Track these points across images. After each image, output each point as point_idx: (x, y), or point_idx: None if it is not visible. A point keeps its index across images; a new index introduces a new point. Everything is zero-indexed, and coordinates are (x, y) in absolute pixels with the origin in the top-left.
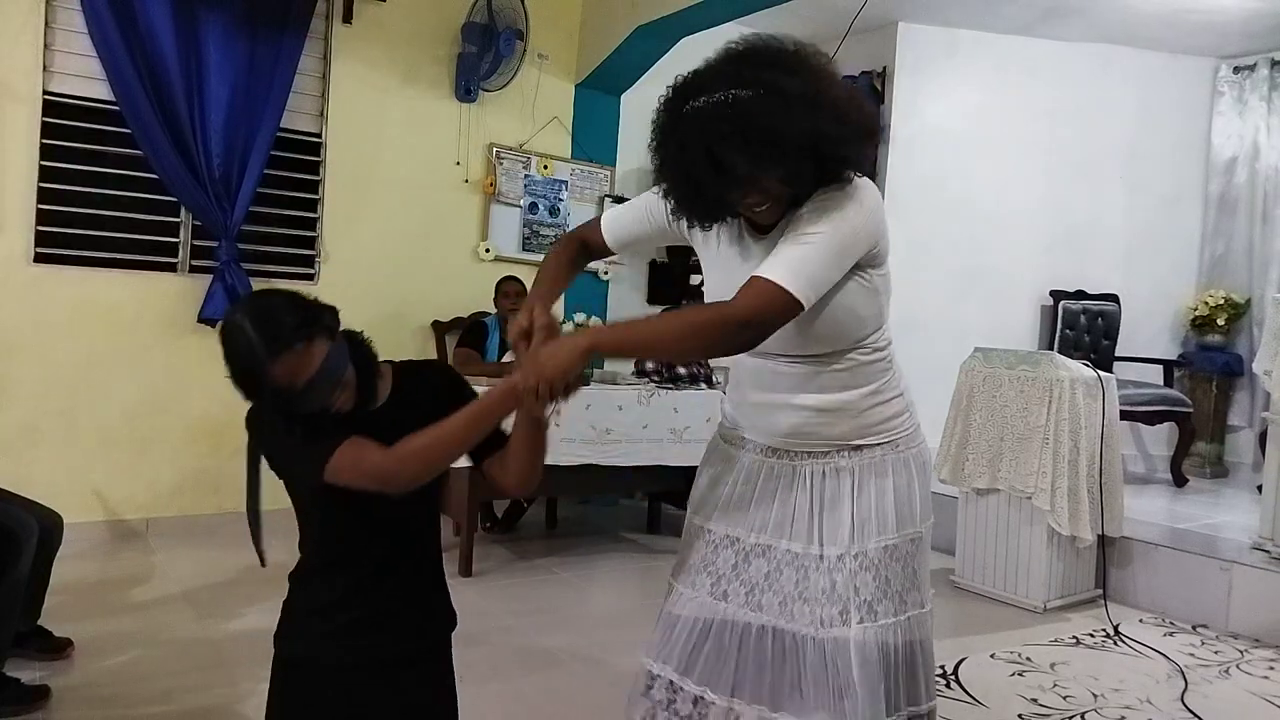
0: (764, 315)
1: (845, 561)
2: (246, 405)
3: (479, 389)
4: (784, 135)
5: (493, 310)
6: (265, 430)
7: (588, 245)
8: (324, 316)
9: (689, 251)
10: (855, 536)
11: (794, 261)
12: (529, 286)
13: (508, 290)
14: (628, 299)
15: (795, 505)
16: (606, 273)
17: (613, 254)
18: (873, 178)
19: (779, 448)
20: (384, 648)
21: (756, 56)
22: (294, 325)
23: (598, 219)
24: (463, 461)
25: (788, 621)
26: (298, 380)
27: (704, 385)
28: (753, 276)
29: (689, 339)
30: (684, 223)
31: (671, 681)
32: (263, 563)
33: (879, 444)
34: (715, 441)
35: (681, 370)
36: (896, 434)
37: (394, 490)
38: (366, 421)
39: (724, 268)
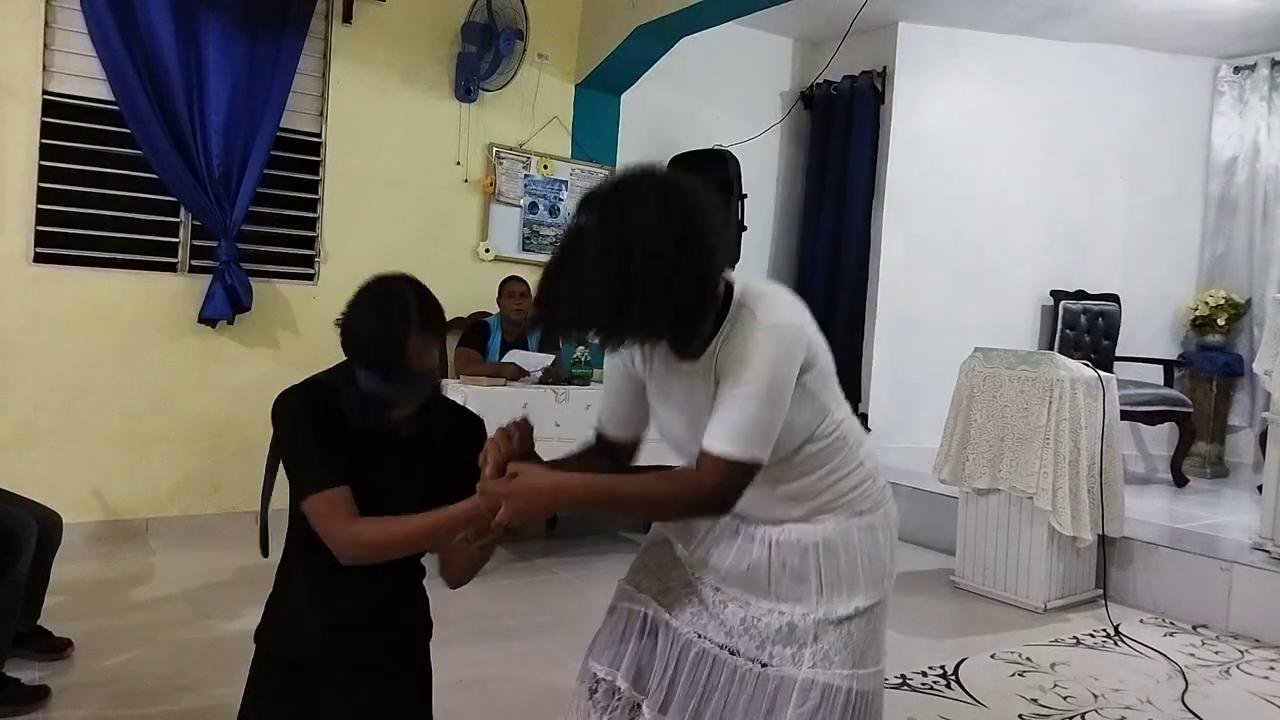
0: (727, 487)
1: (810, 619)
2: (246, 405)
3: (478, 385)
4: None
5: (493, 310)
6: (288, 420)
7: (611, 446)
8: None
9: None
10: (822, 601)
11: (734, 426)
12: (532, 286)
13: (511, 290)
14: None
15: (751, 564)
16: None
17: (629, 445)
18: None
19: (737, 513)
20: (360, 649)
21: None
22: (441, 322)
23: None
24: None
25: (730, 652)
26: (419, 365)
27: None
28: (702, 452)
29: (662, 511)
30: (637, 363)
31: (612, 684)
32: (265, 552)
33: (845, 514)
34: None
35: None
36: (860, 503)
37: (351, 559)
38: (390, 438)
39: (668, 399)
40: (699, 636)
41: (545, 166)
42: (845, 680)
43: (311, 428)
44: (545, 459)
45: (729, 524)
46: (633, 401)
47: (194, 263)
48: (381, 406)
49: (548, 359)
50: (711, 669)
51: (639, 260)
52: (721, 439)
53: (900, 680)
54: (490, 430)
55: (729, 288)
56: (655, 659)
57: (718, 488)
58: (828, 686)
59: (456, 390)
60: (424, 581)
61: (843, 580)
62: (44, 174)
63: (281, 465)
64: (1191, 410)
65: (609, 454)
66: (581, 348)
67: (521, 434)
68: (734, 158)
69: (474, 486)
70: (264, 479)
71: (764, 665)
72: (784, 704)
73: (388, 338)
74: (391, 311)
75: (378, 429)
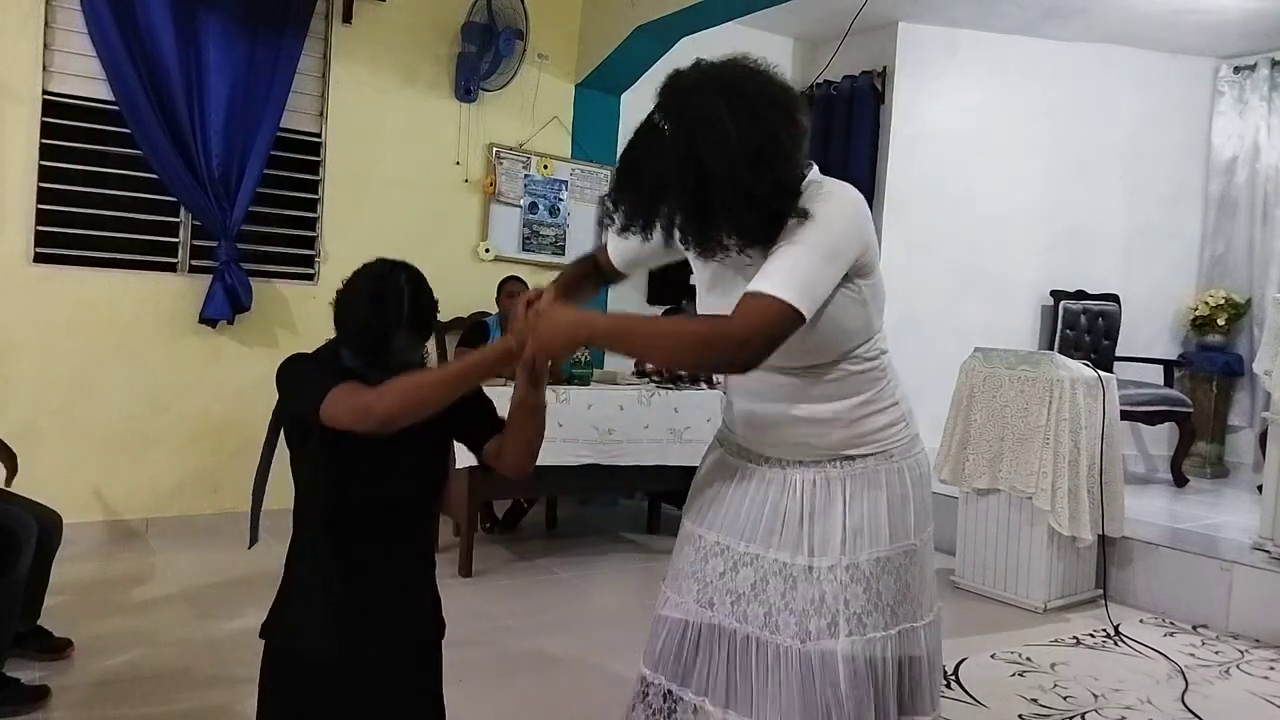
0: (765, 332)
1: (836, 573)
2: (246, 405)
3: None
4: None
5: (493, 310)
6: (292, 367)
7: (599, 265)
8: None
9: None
10: (846, 548)
11: (788, 272)
12: (532, 287)
13: (511, 290)
14: (628, 298)
15: (785, 513)
16: None
17: (623, 276)
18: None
19: (770, 456)
20: (371, 645)
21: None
22: (431, 321)
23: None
24: (463, 461)
25: (772, 633)
26: (404, 359)
27: (704, 385)
28: (746, 294)
29: (685, 350)
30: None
31: (670, 690)
32: (254, 538)
33: (872, 454)
34: (713, 446)
35: (682, 371)
36: (890, 444)
37: (374, 426)
38: None
39: (723, 283)
40: (741, 623)
41: (545, 166)
42: (882, 644)
43: (317, 368)
44: (549, 460)
45: (751, 472)
46: (642, 253)
47: (194, 263)
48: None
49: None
50: (758, 653)
51: (717, 179)
52: (770, 281)
53: None
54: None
55: (801, 179)
56: (706, 658)
57: (756, 328)
58: (868, 655)
59: None
60: (435, 579)
61: (866, 528)
62: (44, 174)
63: (283, 437)
64: (1191, 410)
65: (594, 277)
66: (582, 348)
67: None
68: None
69: (479, 431)
70: (262, 452)
71: (803, 642)
72: (833, 678)
73: (376, 330)
74: (384, 303)
75: None
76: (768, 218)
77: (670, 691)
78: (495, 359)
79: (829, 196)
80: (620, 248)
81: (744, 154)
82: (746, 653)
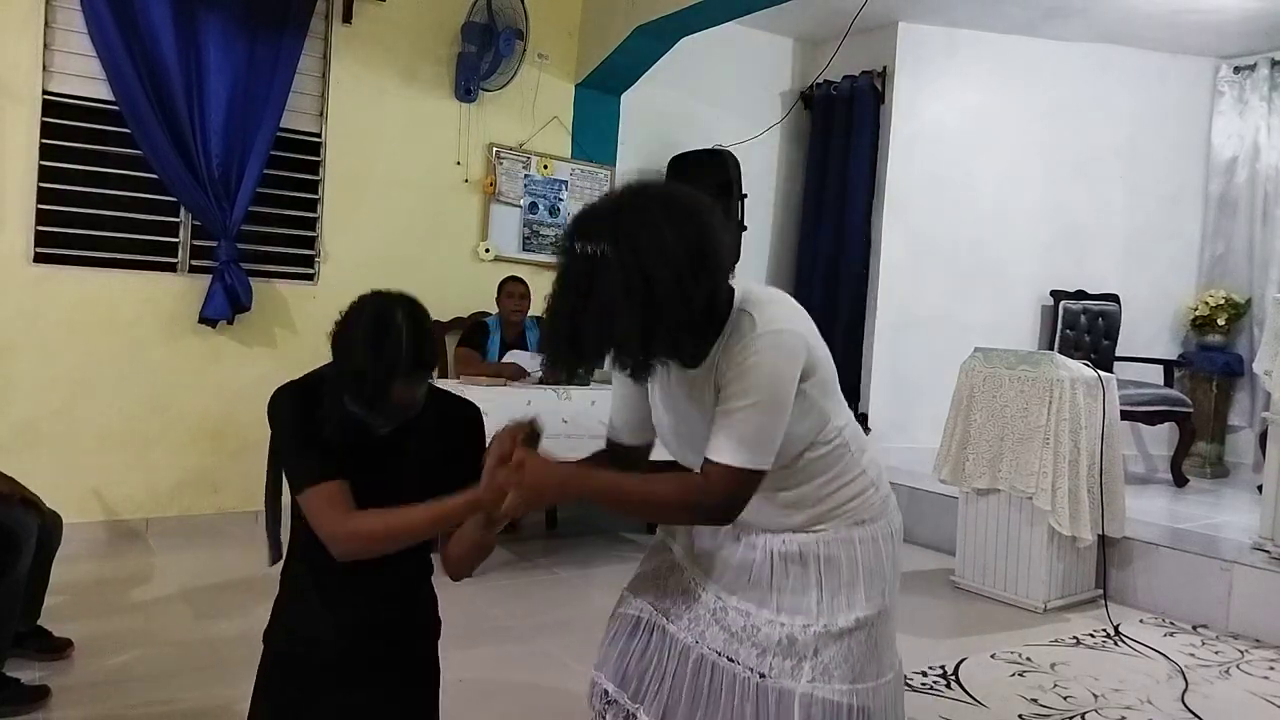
0: (733, 497)
1: (810, 629)
2: (246, 405)
3: (478, 385)
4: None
5: (493, 310)
6: (283, 416)
7: (615, 461)
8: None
9: None
10: (822, 609)
11: (741, 438)
12: (532, 287)
13: (511, 290)
14: None
15: (753, 575)
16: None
17: (642, 450)
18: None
19: (738, 522)
20: (369, 647)
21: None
22: (430, 362)
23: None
24: None
25: (730, 661)
26: (398, 401)
27: None
28: (708, 461)
29: (669, 516)
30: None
31: (606, 691)
32: (273, 560)
33: (843, 524)
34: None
35: None
36: (860, 513)
37: (343, 554)
38: (380, 437)
39: (671, 406)
40: (697, 642)
41: (545, 166)
42: (844, 696)
43: (306, 424)
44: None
45: (730, 532)
46: (642, 407)
47: (194, 263)
48: (362, 428)
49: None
50: (712, 676)
51: (663, 286)
52: (725, 449)
53: None
54: (489, 424)
55: (729, 293)
56: (653, 665)
57: (722, 496)
58: (827, 702)
59: (456, 391)
60: (431, 580)
61: (843, 591)
62: (44, 174)
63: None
64: (1191, 410)
65: (621, 461)
66: None
67: (529, 433)
68: (734, 158)
69: (473, 474)
70: (266, 489)
71: (763, 676)
72: (787, 716)
73: (374, 376)
74: (380, 347)
75: (362, 434)
76: (694, 333)
77: (607, 692)
78: (465, 508)
79: (758, 340)
80: (623, 423)
81: (686, 261)
82: (699, 673)
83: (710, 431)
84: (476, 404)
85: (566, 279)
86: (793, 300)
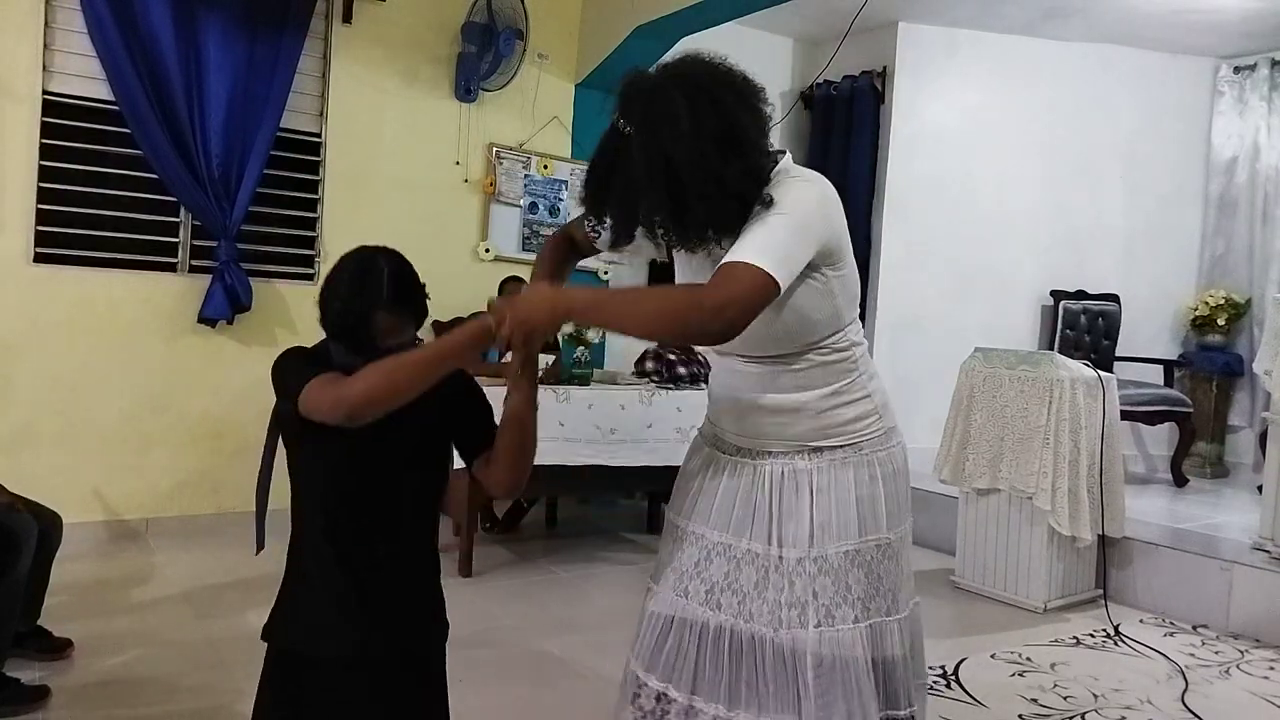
0: (741, 299)
1: (804, 565)
2: (246, 405)
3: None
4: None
5: None
6: (285, 365)
7: (575, 242)
8: (426, 311)
9: None
10: (814, 540)
11: (762, 243)
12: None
13: (512, 291)
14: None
15: (756, 505)
16: (607, 272)
17: (599, 251)
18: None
19: (743, 447)
20: (375, 646)
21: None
22: (417, 297)
23: (582, 216)
24: (462, 462)
25: (745, 621)
26: (386, 339)
27: (704, 385)
28: (722, 264)
29: (663, 318)
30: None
31: (662, 693)
32: (260, 545)
33: (841, 446)
34: (695, 440)
35: (682, 370)
36: (860, 437)
37: (347, 414)
38: None
39: (699, 267)
40: (715, 611)
41: (545, 166)
42: (850, 633)
43: (302, 363)
44: (552, 460)
45: (725, 463)
46: (635, 243)
47: (194, 263)
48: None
49: (548, 359)
50: (730, 642)
51: (686, 170)
52: (744, 251)
53: None
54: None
55: (770, 167)
56: (679, 647)
57: (732, 295)
58: (836, 641)
59: None
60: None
61: (833, 522)
62: (44, 174)
63: (282, 430)
64: (1191, 410)
65: (574, 249)
66: (582, 347)
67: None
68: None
69: (475, 436)
70: (263, 456)
71: (775, 630)
72: (802, 666)
73: (355, 310)
74: (362, 284)
75: None
76: (739, 204)
77: (663, 694)
78: (471, 338)
79: (796, 182)
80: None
81: (710, 142)
82: (719, 641)
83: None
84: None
85: (604, 146)
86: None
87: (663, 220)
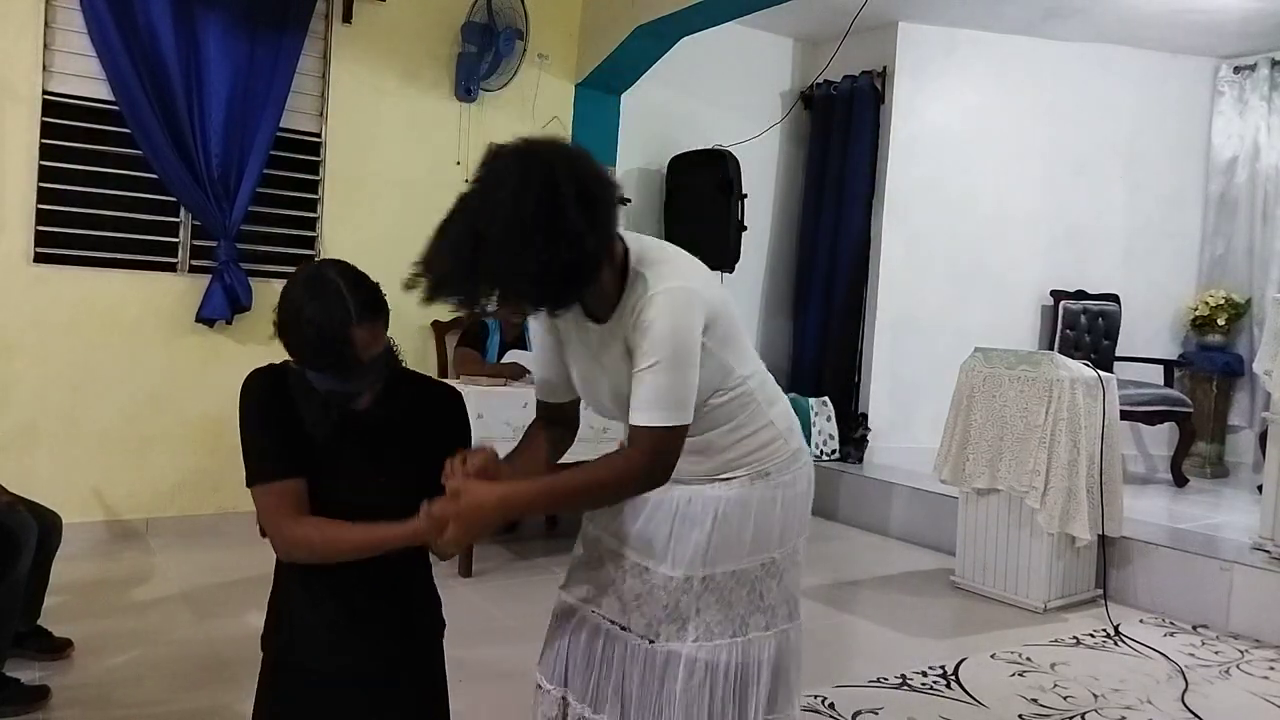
0: (664, 455)
1: (692, 583)
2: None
3: (478, 385)
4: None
5: None
6: (248, 401)
7: (551, 420)
8: (388, 308)
9: (689, 252)
10: (706, 561)
11: (656, 400)
12: None
13: None
14: None
15: (658, 525)
16: None
17: (567, 403)
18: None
19: None
20: (365, 648)
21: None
22: (382, 300)
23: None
24: None
25: (622, 629)
26: (367, 353)
27: None
28: (633, 426)
29: (610, 496)
30: (556, 325)
31: (537, 679)
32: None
33: (748, 475)
34: None
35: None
36: (767, 462)
37: (284, 554)
38: (358, 422)
39: (582, 358)
40: (594, 612)
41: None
42: (726, 651)
43: (271, 412)
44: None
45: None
46: (561, 367)
47: (194, 263)
48: (343, 401)
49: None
50: (604, 643)
51: (490, 243)
52: (645, 413)
53: (900, 680)
54: (488, 424)
55: (626, 252)
56: (557, 639)
57: (652, 456)
58: (710, 661)
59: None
60: (432, 578)
61: (728, 545)
62: (44, 174)
63: None
64: (1191, 410)
65: (556, 419)
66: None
67: (482, 465)
68: (734, 157)
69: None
70: None
71: (651, 641)
72: (673, 677)
73: (330, 335)
74: (326, 306)
75: (343, 421)
76: (534, 287)
77: (537, 684)
78: (404, 537)
79: (653, 301)
80: (547, 384)
81: (519, 225)
82: (593, 642)
83: (623, 383)
84: (454, 387)
85: (456, 203)
86: (687, 255)
87: (455, 286)
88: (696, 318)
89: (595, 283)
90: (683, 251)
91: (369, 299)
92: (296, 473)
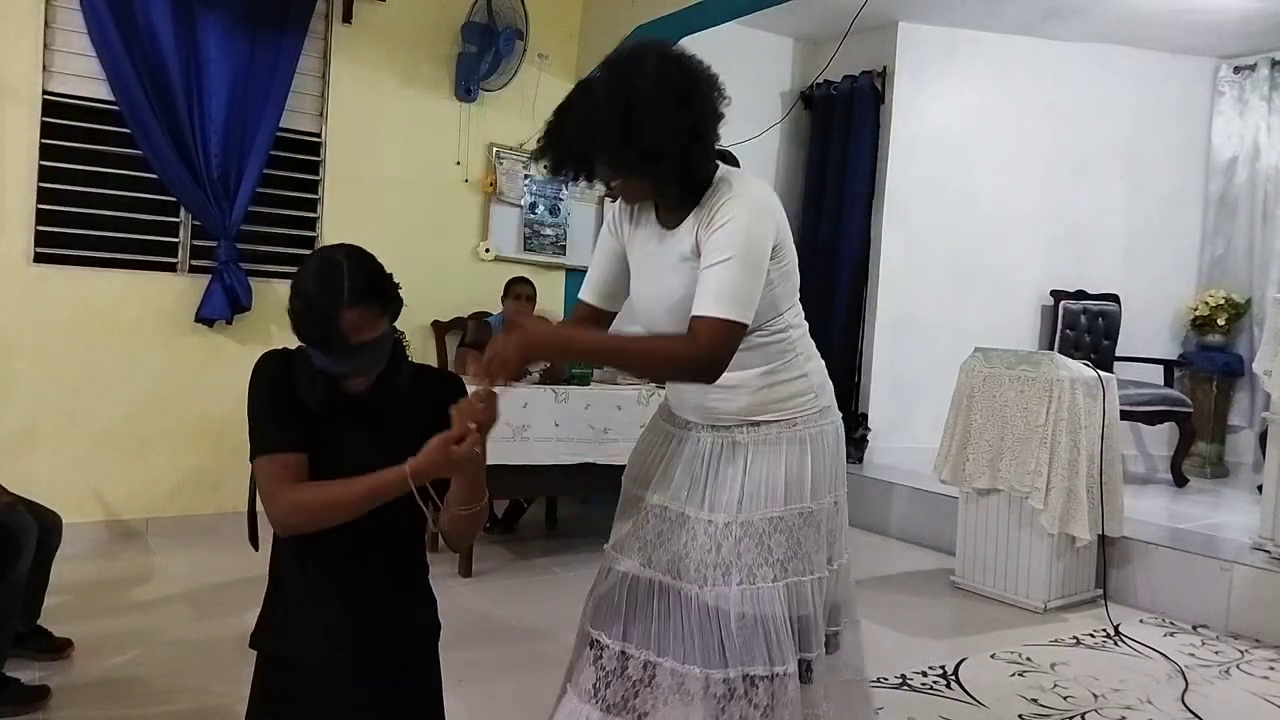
0: (720, 348)
1: (731, 529)
2: (244, 405)
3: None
4: (594, 136)
5: (493, 309)
6: (257, 381)
7: (588, 316)
8: (398, 301)
9: None
10: (742, 506)
11: (720, 293)
12: (536, 286)
13: (518, 293)
14: None
15: (694, 473)
16: None
17: (612, 311)
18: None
19: (691, 420)
20: (360, 648)
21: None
22: (383, 290)
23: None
24: None
25: (674, 578)
26: (357, 336)
27: None
28: (694, 317)
29: (658, 367)
30: (624, 231)
31: (623, 651)
32: (255, 544)
33: (776, 421)
34: (654, 415)
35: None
36: (795, 412)
37: (283, 524)
38: (361, 407)
39: (648, 263)
40: (646, 567)
41: (545, 166)
42: (770, 591)
43: (278, 391)
44: (545, 459)
45: (673, 435)
46: (618, 274)
47: (194, 263)
48: (333, 380)
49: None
50: (658, 595)
51: (641, 103)
52: (709, 303)
53: (900, 680)
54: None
55: (713, 163)
56: (612, 599)
57: (709, 347)
58: (757, 598)
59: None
60: (429, 580)
61: (762, 487)
62: (44, 174)
63: None
64: (1191, 410)
65: (591, 320)
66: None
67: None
68: (734, 157)
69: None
70: (251, 476)
71: (700, 588)
72: (725, 616)
73: (319, 311)
74: (323, 284)
75: (342, 400)
76: (681, 159)
77: (624, 652)
78: (398, 480)
79: (734, 201)
80: (594, 282)
81: (668, 92)
82: (650, 596)
83: (694, 292)
84: (456, 375)
85: (568, 95)
86: (767, 186)
87: (607, 150)
88: (769, 230)
89: (704, 166)
90: (759, 180)
91: (365, 284)
92: (298, 447)
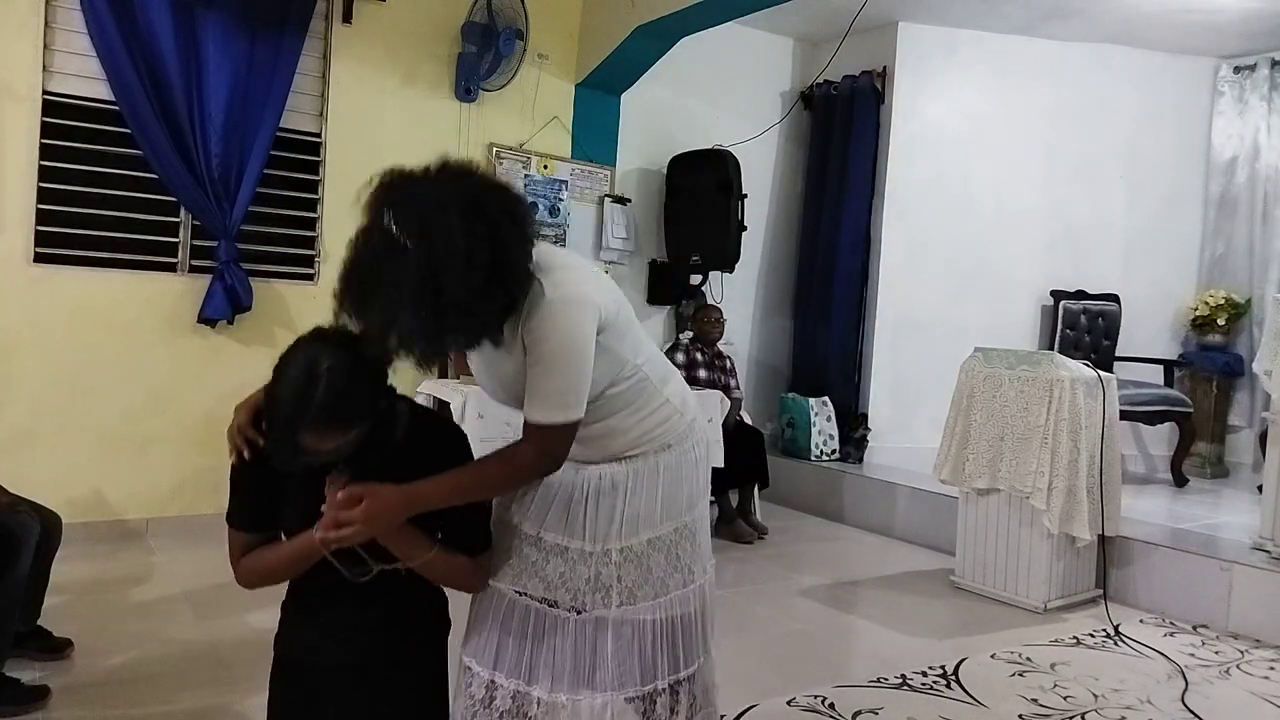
0: (554, 448)
1: (611, 555)
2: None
3: (477, 386)
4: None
5: None
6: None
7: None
8: (381, 401)
9: (689, 252)
10: (623, 534)
11: (549, 397)
12: None
13: None
14: (630, 299)
15: (571, 504)
16: (607, 271)
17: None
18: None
19: (572, 458)
20: (367, 648)
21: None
22: (359, 413)
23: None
24: None
25: (550, 607)
26: (318, 448)
27: (701, 386)
28: (527, 422)
29: (506, 484)
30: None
31: (463, 663)
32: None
33: (652, 450)
34: None
35: (702, 374)
36: (667, 436)
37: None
38: (363, 463)
39: (482, 362)
40: (519, 594)
41: (545, 166)
42: (650, 611)
43: (251, 468)
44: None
45: (560, 477)
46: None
47: (194, 263)
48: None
49: None
50: (534, 621)
51: (450, 293)
52: (538, 410)
53: (900, 680)
54: (485, 424)
55: (529, 274)
56: (482, 622)
57: (545, 451)
58: (636, 621)
59: (456, 391)
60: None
61: (641, 516)
62: (44, 174)
63: None
64: (1191, 410)
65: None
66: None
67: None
68: (734, 157)
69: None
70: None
71: (579, 612)
72: (603, 640)
73: (282, 424)
74: (296, 396)
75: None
76: (495, 328)
77: (492, 681)
78: (308, 547)
79: (549, 306)
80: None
81: (479, 272)
82: (524, 621)
83: (523, 384)
84: (459, 426)
85: (369, 245)
86: (581, 260)
87: (417, 331)
88: (589, 322)
89: (520, 292)
90: (577, 257)
91: (338, 409)
92: (250, 528)
